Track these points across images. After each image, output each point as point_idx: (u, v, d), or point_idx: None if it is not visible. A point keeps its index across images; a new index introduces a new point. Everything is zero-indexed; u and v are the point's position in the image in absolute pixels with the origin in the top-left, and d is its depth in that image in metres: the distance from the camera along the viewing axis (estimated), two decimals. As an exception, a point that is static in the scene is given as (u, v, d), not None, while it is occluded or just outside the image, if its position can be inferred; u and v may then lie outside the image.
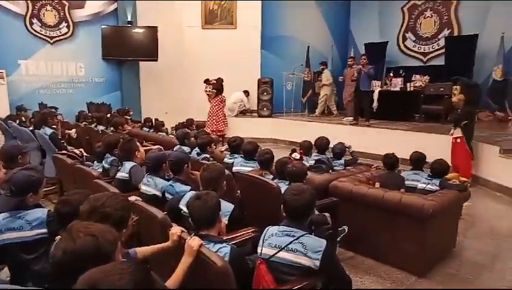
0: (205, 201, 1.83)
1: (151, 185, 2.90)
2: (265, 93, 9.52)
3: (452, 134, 5.62)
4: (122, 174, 3.22)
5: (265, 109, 9.57)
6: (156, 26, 8.89)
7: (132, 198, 2.34)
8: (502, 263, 3.30)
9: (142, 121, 7.66)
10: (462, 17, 9.41)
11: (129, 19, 9.07)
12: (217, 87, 8.90)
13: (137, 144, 3.66)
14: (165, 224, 2.03)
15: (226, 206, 2.24)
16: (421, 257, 2.95)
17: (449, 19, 9.60)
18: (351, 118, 8.23)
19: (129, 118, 8.00)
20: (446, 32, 9.64)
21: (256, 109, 9.71)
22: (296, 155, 4.32)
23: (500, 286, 2.94)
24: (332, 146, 4.54)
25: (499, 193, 5.18)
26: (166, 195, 2.79)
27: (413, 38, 10.33)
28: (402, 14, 10.50)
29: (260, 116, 9.62)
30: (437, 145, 6.05)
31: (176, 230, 1.86)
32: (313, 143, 4.52)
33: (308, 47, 10.38)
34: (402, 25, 10.52)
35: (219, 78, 9.13)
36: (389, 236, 3.08)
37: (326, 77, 9.30)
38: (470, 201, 3.81)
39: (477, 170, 5.68)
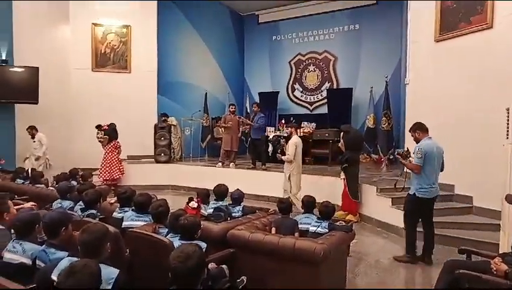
0: (80, 280, 1.56)
1: (18, 252, 2.44)
2: (162, 139, 9.25)
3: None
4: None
5: (162, 154, 9.26)
6: (37, 67, 8.08)
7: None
8: (385, 295, 3.59)
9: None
10: (339, 73, 10.82)
11: (3, 58, 8.09)
12: (108, 133, 8.33)
13: (10, 203, 3.11)
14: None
15: (110, 273, 1.96)
16: (316, 300, 3.02)
17: (329, 73, 10.94)
18: (233, 164, 8.54)
19: (-1, 168, 6.89)
20: (327, 84, 10.93)
21: (153, 154, 9.33)
22: (194, 204, 4.17)
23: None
24: (231, 192, 4.55)
25: (379, 228, 5.77)
26: (38, 263, 2.36)
27: (301, 89, 11.45)
28: (290, 67, 11.62)
29: (157, 162, 9.25)
30: (326, 186, 6.57)
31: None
32: (212, 190, 4.48)
33: (206, 93, 10.61)
34: (290, 77, 11.61)
35: (111, 123, 8.57)
36: (286, 281, 3.10)
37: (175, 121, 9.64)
38: (356, 238, 4.15)
39: (360, 208, 6.27)
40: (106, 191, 5.68)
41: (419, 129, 4.36)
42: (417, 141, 4.35)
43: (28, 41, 8.41)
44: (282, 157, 6.35)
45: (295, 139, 6.30)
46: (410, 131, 4.48)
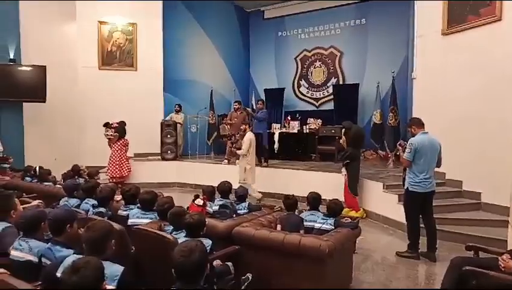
0: (83, 277, 1.58)
1: (24, 250, 2.46)
2: (168, 136, 9.28)
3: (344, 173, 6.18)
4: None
5: (169, 152, 9.30)
6: (45, 66, 8.15)
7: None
8: (392, 292, 3.57)
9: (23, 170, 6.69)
10: (345, 68, 10.74)
11: (11, 57, 8.17)
12: (119, 130, 8.37)
13: (17, 202, 3.15)
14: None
15: (114, 270, 1.97)
16: (322, 297, 3.01)
17: (335, 69, 10.86)
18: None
19: (8, 166, 6.95)
20: (333, 80, 10.85)
21: (159, 152, 9.37)
22: (199, 201, 4.20)
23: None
24: (235, 189, 4.56)
25: (386, 225, 5.73)
26: (44, 260, 2.39)
27: (307, 86, 11.38)
28: (295, 63, 11.55)
29: (164, 159, 9.29)
30: (332, 183, 6.54)
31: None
32: (216, 187, 4.48)
33: (212, 90, 10.60)
34: (296, 73, 11.55)
35: (121, 121, 8.55)
36: (291, 278, 3.09)
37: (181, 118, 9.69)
38: (362, 235, 4.13)
39: (367, 205, 6.24)
40: (114, 188, 5.73)
41: (415, 124, 4.40)
42: (413, 136, 4.36)
43: (35, 40, 8.48)
44: (237, 151, 7.10)
45: (249, 136, 6.97)
46: (406, 126, 4.39)
